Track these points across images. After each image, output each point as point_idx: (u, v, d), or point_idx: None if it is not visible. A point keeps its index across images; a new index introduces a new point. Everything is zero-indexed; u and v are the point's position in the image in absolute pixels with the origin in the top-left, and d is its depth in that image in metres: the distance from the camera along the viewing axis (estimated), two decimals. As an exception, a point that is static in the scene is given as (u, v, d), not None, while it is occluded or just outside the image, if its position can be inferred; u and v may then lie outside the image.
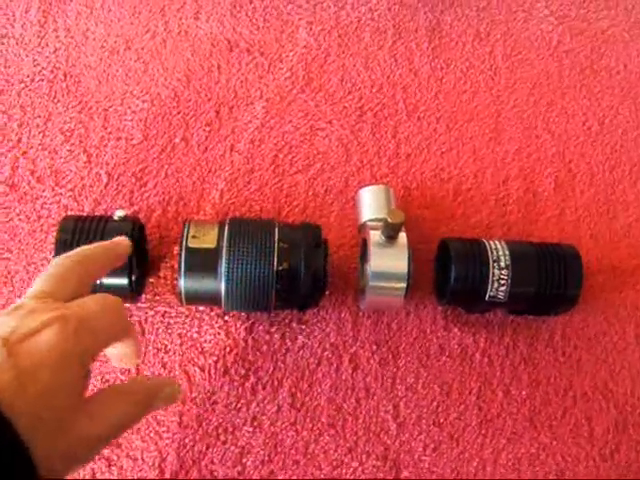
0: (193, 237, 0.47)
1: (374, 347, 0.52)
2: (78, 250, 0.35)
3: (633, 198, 0.60)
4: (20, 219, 0.55)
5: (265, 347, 0.52)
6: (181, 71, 0.63)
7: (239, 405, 0.50)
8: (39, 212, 0.55)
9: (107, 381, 0.50)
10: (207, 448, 0.49)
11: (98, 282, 0.46)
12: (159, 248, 0.55)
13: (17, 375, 0.26)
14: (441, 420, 0.51)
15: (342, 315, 0.53)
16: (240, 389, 0.50)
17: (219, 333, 0.52)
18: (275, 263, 0.46)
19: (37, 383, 0.26)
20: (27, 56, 0.62)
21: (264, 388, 0.51)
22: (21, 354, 0.27)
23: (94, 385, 0.49)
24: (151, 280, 0.53)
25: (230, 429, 0.49)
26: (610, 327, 0.55)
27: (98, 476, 0.48)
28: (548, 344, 0.54)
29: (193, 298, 0.48)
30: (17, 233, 0.55)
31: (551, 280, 0.49)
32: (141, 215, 0.55)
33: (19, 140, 0.58)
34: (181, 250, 0.46)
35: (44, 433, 0.26)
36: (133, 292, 0.49)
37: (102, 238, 0.47)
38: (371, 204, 0.52)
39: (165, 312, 0.52)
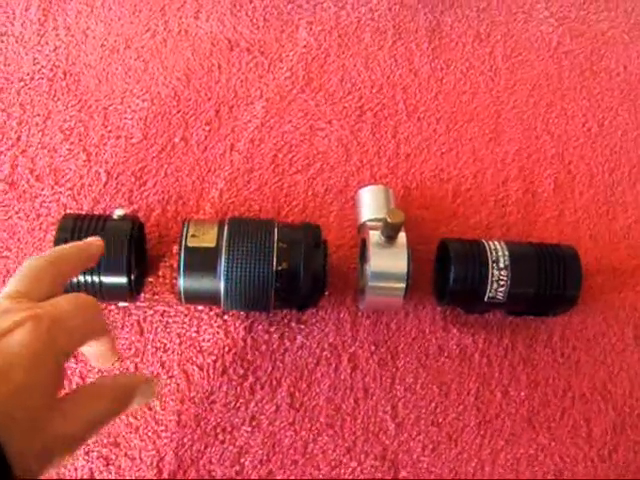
0: (192, 236, 0.47)
1: (373, 347, 0.52)
2: (51, 250, 0.35)
3: (632, 199, 0.60)
4: (19, 217, 0.55)
5: (264, 347, 0.52)
6: (181, 70, 0.63)
7: (238, 405, 0.50)
8: (38, 210, 0.55)
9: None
10: (205, 448, 0.49)
11: (97, 280, 0.47)
12: (158, 247, 0.55)
13: None
14: (440, 420, 0.51)
15: (341, 315, 0.53)
16: (239, 389, 0.50)
17: (218, 332, 0.52)
18: (274, 263, 0.46)
19: (10, 382, 0.26)
20: (27, 54, 0.62)
21: (263, 388, 0.51)
22: None
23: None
24: (150, 279, 0.53)
25: (228, 429, 0.49)
26: (609, 328, 0.55)
27: (96, 475, 0.47)
28: (547, 345, 0.54)
29: (192, 297, 0.48)
30: (16, 231, 0.55)
31: (550, 281, 0.49)
32: (140, 214, 0.55)
33: (18, 138, 0.58)
34: (180, 249, 0.46)
35: (18, 432, 0.26)
36: (132, 291, 0.49)
37: (101, 237, 0.47)
38: (371, 204, 0.52)
39: (164, 311, 0.52)
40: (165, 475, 0.48)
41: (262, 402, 0.50)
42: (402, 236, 0.48)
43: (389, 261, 0.47)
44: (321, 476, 0.49)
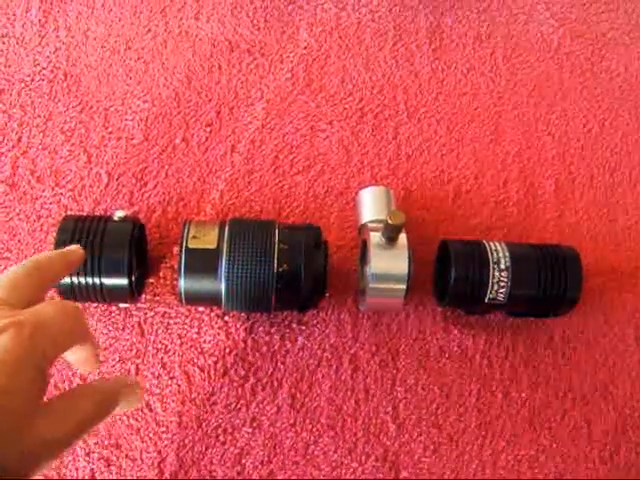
0: (193, 237, 0.47)
1: (374, 348, 0.52)
2: (32, 258, 0.36)
3: (633, 200, 0.60)
4: (20, 219, 0.55)
5: (265, 348, 0.52)
6: (182, 71, 0.63)
7: (239, 406, 0.50)
8: (39, 212, 0.55)
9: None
10: (206, 449, 0.49)
11: (98, 281, 0.47)
12: (159, 248, 0.55)
13: None
14: (440, 422, 0.51)
15: (342, 316, 0.53)
16: (240, 390, 0.50)
17: (219, 334, 0.52)
18: (275, 264, 0.46)
19: None
20: (27, 55, 0.62)
21: (264, 389, 0.51)
22: None
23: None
24: (151, 280, 0.53)
25: (230, 430, 0.49)
26: (610, 329, 0.55)
27: (97, 476, 0.48)
28: (548, 346, 0.54)
29: (193, 298, 0.48)
30: (17, 233, 0.55)
31: (551, 282, 0.49)
32: (141, 215, 0.55)
33: (19, 140, 0.58)
34: (181, 250, 0.46)
35: (1, 437, 0.26)
36: (133, 292, 0.49)
37: (102, 238, 0.47)
38: (371, 205, 0.52)
39: (165, 312, 0.52)
40: (166, 476, 0.48)
41: (263, 403, 0.50)
42: (403, 237, 0.48)
43: (390, 262, 0.47)
44: (322, 477, 0.49)
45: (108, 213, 0.54)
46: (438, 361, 0.53)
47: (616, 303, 0.56)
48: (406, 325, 0.53)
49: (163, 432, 0.49)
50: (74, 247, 0.39)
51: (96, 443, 0.48)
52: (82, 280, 0.46)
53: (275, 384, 0.51)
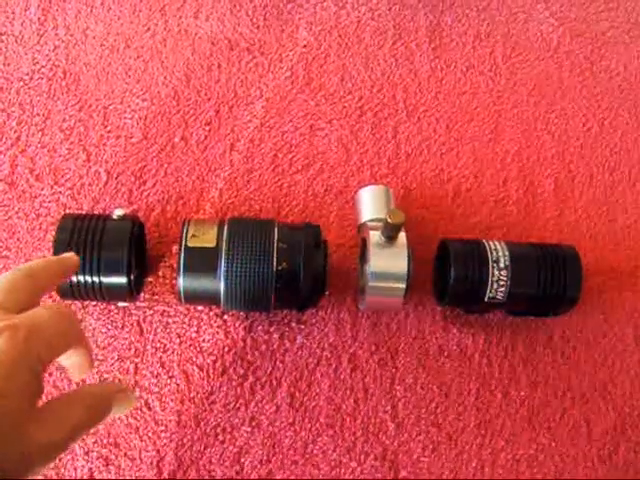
0: (192, 236, 0.47)
1: (373, 347, 0.52)
2: (27, 264, 0.36)
3: (632, 199, 0.60)
4: (19, 217, 0.55)
5: (264, 347, 0.52)
6: (181, 70, 0.62)
7: (238, 405, 0.50)
8: (38, 210, 0.55)
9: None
10: (205, 448, 0.49)
11: (97, 281, 0.46)
12: (158, 247, 0.55)
13: None
14: (440, 421, 0.51)
15: (341, 315, 0.53)
16: (239, 389, 0.50)
17: (218, 333, 0.52)
18: (274, 263, 0.46)
19: None
20: (26, 54, 0.62)
21: (263, 388, 0.50)
22: None
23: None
24: (150, 279, 0.53)
25: (228, 429, 0.49)
26: (609, 328, 0.55)
27: (96, 475, 0.47)
28: (547, 345, 0.54)
29: (192, 297, 0.48)
30: (16, 231, 0.55)
31: (550, 281, 0.49)
32: (140, 214, 0.55)
33: (18, 138, 0.58)
34: (180, 249, 0.46)
35: None
36: (132, 291, 0.49)
37: (101, 237, 0.47)
38: (371, 204, 0.52)
39: (164, 311, 0.52)
40: (165, 475, 0.48)
41: (262, 402, 0.50)
42: (402, 236, 0.48)
43: (389, 261, 0.47)
44: (321, 476, 0.49)
45: (107, 212, 0.54)
46: (437, 360, 0.53)
47: (615, 302, 0.56)
48: (405, 324, 0.53)
49: (162, 431, 0.49)
50: (70, 254, 0.39)
51: (95, 442, 0.48)
52: (81, 279, 0.46)
53: (274, 383, 0.51)
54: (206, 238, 0.47)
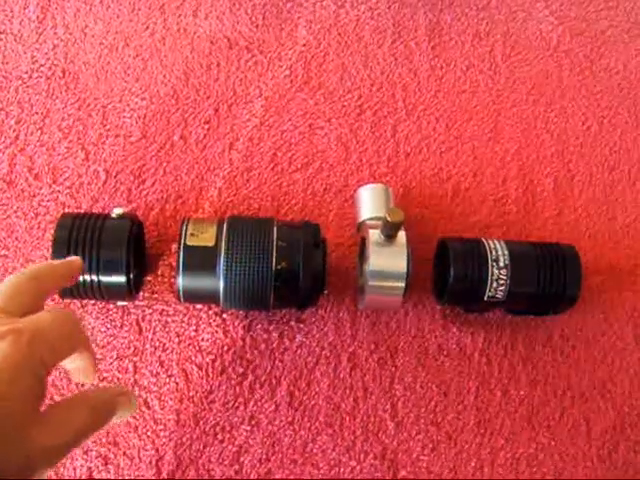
0: (191, 235, 0.46)
1: (372, 346, 0.52)
2: (31, 267, 0.36)
3: (632, 198, 0.60)
4: (17, 216, 0.55)
5: (263, 346, 0.52)
6: (180, 69, 0.62)
7: (237, 404, 0.50)
8: (36, 209, 0.55)
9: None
10: (204, 447, 0.49)
11: (96, 280, 0.46)
12: (157, 246, 0.54)
13: None
14: (439, 420, 0.51)
15: (340, 314, 0.53)
16: (238, 388, 0.50)
17: (217, 331, 0.52)
18: (274, 262, 0.45)
19: None
20: (25, 52, 0.62)
21: (262, 387, 0.50)
22: None
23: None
24: (149, 278, 0.53)
25: (228, 428, 0.49)
26: (609, 327, 0.55)
27: (95, 475, 0.47)
28: (546, 344, 0.54)
29: (191, 296, 0.48)
30: (14, 230, 0.54)
31: (550, 280, 0.49)
32: (139, 213, 0.55)
33: (17, 137, 0.58)
34: (179, 248, 0.46)
35: (0, 444, 0.26)
36: (131, 290, 0.49)
37: (100, 236, 0.47)
38: (370, 203, 0.52)
39: (163, 310, 0.52)
40: (164, 474, 0.48)
41: (261, 401, 0.50)
42: (402, 235, 0.47)
43: (389, 260, 0.47)
44: (320, 475, 0.49)
45: (106, 211, 0.54)
46: (437, 359, 0.52)
47: (615, 301, 0.56)
48: (405, 323, 0.53)
49: (161, 430, 0.49)
50: (73, 257, 0.39)
51: (94, 441, 0.48)
52: (80, 278, 0.46)
53: (273, 382, 0.51)
54: (205, 237, 0.47)
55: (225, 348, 0.51)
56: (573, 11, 0.70)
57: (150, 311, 0.52)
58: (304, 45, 0.65)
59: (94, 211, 0.55)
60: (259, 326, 0.52)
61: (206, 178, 0.57)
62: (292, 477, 0.48)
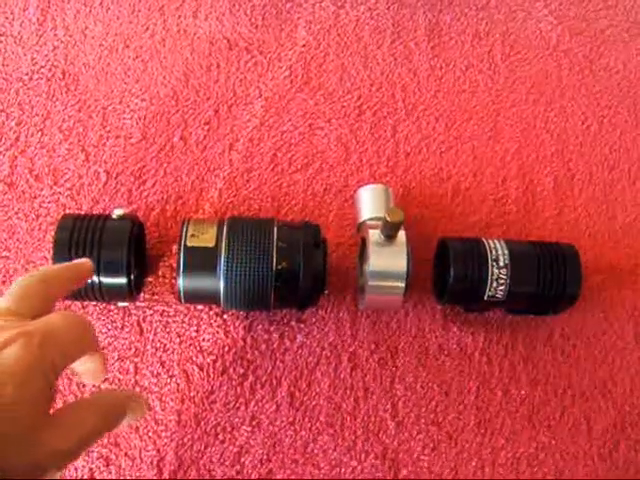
0: (192, 236, 0.47)
1: (373, 346, 0.52)
2: (41, 269, 0.36)
3: (632, 197, 0.60)
4: (18, 218, 0.55)
5: (264, 346, 0.52)
6: (180, 70, 0.62)
7: (238, 404, 0.50)
8: (37, 211, 0.55)
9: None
10: (206, 447, 0.49)
11: (97, 281, 0.46)
12: (158, 247, 0.55)
13: None
14: (440, 419, 0.51)
15: (341, 314, 0.53)
16: (239, 388, 0.50)
17: (218, 332, 0.52)
18: (274, 262, 0.46)
19: (0, 399, 0.26)
20: (25, 54, 0.62)
21: (263, 387, 0.50)
22: None
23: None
24: (150, 279, 0.53)
25: (229, 428, 0.49)
26: (609, 326, 0.55)
27: (96, 475, 0.47)
28: (547, 343, 0.54)
29: (192, 297, 0.48)
30: (15, 232, 0.55)
31: (550, 279, 0.49)
32: (140, 214, 0.55)
33: (17, 139, 0.58)
34: (180, 249, 0.46)
35: (8, 448, 0.26)
36: (132, 291, 0.49)
37: (100, 237, 0.47)
38: (370, 203, 0.52)
39: (164, 311, 0.52)
40: (165, 475, 0.48)
41: (262, 401, 0.50)
42: (402, 235, 0.48)
43: (389, 260, 0.47)
44: (321, 475, 0.49)
45: (107, 212, 0.54)
46: (437, 359, 0.53)
47: (615, 300, 0.56)
48: (405, 323, 0.53)
49: (162, 431, 0.49)
50: (83, 260, 0.39)
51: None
52: (80, 279, 0.46)
53: (274, 382, 0.51)
54: (205, 238, 0.47)
55: (226, 348, 0.51)
56: (572, 10, 0.70)
57: (151, 312, 0.52)
58: (304, 46, 0.65)
59: (95, 212, 0.55)
60: (260, 326, 0.52)
61: (206, 179, 0.58)
62: (293, 477, 0.48)
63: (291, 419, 0.50)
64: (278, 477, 0.48)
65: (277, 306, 0.50)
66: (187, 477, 0.48)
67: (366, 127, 0.61)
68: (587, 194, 0.60)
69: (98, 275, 0.46)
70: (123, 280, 0.47)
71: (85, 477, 0.47)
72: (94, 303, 0.52)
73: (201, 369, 0.51)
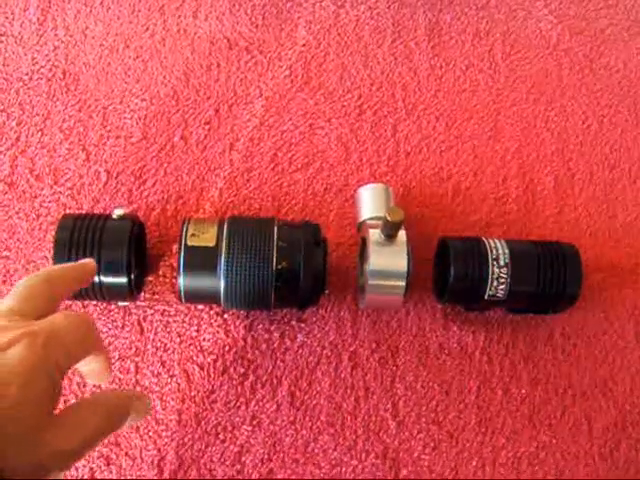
0: (192, 235, 0.47)
1: (373, 346, 0.52)
2: (46, 269, 0.36)
3: (632, 196, 0.60)
4: (19, 217, 0.55)
5: (264, 345, 0.52)
6: (180, 69, 0.63)
7: (238, 404, 0.50)
8: (38, 210, 0.55)
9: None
10: (206, 447, 0.49)
11: (97, 281, 0.46)
12: (158, 246, 0.55)
13: None
14: (440, 419, 0.51)
15: (341, 314, 0.53)
16: (239, 388, 0.50)
17: (218, 332, 0.52)
18: (274, 261, 0.46)
19: (4, 399, 0.26)
20: (26, 54, 0.62)
21: (263, 387, 0.50)
22: None
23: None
24: (150, 278, 0.53)
25: (229, 428, 0.49)
26: (609, 325, 0.55)
27: (97, 475, 0.48)
28: (547, 342, 0.54)
29: (192, 296, 0.48)
30: (16, 231, 0.55)
31: (550, 278, 0.49)
32: (140, 213, 0.55)
33: (18, 138, 0.58)
34: (180, 248, 0.46)
35: (13, 448, 0.26)
36: (132, 290, 0.49)
37: (101, 236, 0.47)
38: (370, 202, 0.52)
39: (164, 310, 0.52)
40: (166, 474, 0.48)
41: (263, 401, 0.50)
42: (402, 234, 0.48)
43: (389, 259, 0.47)
44: (322, 475, 0.49)
45: (107, 211, 0.54)
46: (438, 358, 0.53)
47: (616, 299, 0.56)
48: (406, 322, 0.53)
49: (163, 430, 0.49)
50: (87, 260, 0.39)
51: (96, 441, 0.48)
52: (81, 278, 0.46)
53: (275, 382, 0.51)
54: (206, 237, 0.47)
55: (226, 348, 0.51)
56: (572, 10, 0.70)
57: (151, 311, 0.52)
58: (304, 45, 0.65)
59: (95, 212, 0.55)
60: (260, 326, 0.52)
61: (207, 178, 0.58)
62: (294, 477, 0.48)
63: (292, 418, 0.50)
64: (279, 476, 0.48)
65: (277, 305, 0.50)
66: (188, 477, 0.48)
67: (366, 126, 0.61)
68: (588, 193, 0.60)
69: (98, 275, 0.46)
70: (123, 280, 0.47)
71: (86, 477, 0.47)
72: (94, 303, 0.52)
73: (202, 368, 0.51)
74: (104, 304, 0.52)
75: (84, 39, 0.63)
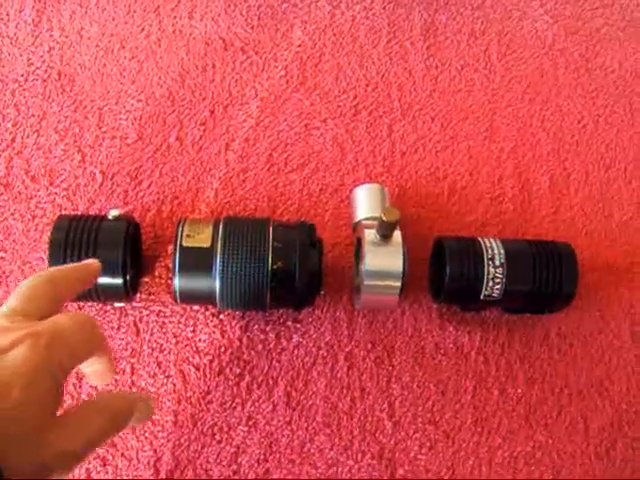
0: (187, 236, 0.47)
1: (369, 346, 0.52)
2: (49, 270, 0.36)
3: (628, 196, 0.60)
4: (14, 218, 0.55)
5: (260, 346, 0.52)
6: (175, 70, 0.62)
7: (234, 404, 0.50)
8: (33, 212, 0.55)
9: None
10: (202, 447, 0.49)
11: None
12: (154, 247, 0.55)
13: None
14: (436, 419, 0.51)
15: (337, 314, 0.53)
16: (235, 388, 0.50)
17: (214, 332, 0.52)
18: (270, 262, 0.46)
19: (7, 400, 0.26)
20: (21, 55, 0.62)
21: (259, 387, 0.50)
22: None
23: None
24: (146, 279, 0.53)
25: (225, 428, 0.49)
26: (605, 325, 0.55)
27: (93, 475, 0.47)
28: (543, 342, 0.54)
29: (188, 297, 0.48)
30: (11, 233, 0.55)
31: (546, 278, 0.49)
32: (136, 214, 0.55)
33: (13, 139, 0.58)
34: (175, 249, 0.46)
35: (16, 449, 0.26)
36: (128, 291, 0.49)
37: (96, 237, 0.47)
38: (366, 203, 0.52)
39: (160, 311, 0.52)
40: (162, 475, 0.48)
41: (259, 401, 0.50)
42: (397, 234, 0.48)
43: (385, 259, 0.47)
44: (318, 475, 0.49)
45: (103, 212, 0.54)
46: (434, 358, 0.53)
47: (612, 299, 0.56)
48: (401, 322, 0.53)
49: (159, 431, 0.49)
50: (90, 260, 0.39)
51: (92, 443, 0.48)
52: (76, 279, 0.46)
53: (271, 382, 0.51)
54: (201, 238, 0.47)
55: (222, 349, 0.51)
56: (568, 9, 0.70)
57: (147, 312, 0.52)
58: (299, 46, 0.65)
59: (91, 213, 0.55)
60: (256, 326, 0.52)
61: (202, 179, 0.58)
62: (290, 477, 0.48)
63: (288, 419, 0.50)
64: (275, 477, 0.48)
65: (273, 306, 0.50)
66: (184, 477, 0.48)
67: (362, 127, 0.61)
68: (583, 193, 0.60)
69: (94, 276, 0.46)
70: (119, 280, 0.47)
71: (82, 477, 0.47)
72: (90, 303, 0.52)
73: (197, 369, 0.51)
74: (100, 305, 0.52)
75: (79, 40, 0.63)
